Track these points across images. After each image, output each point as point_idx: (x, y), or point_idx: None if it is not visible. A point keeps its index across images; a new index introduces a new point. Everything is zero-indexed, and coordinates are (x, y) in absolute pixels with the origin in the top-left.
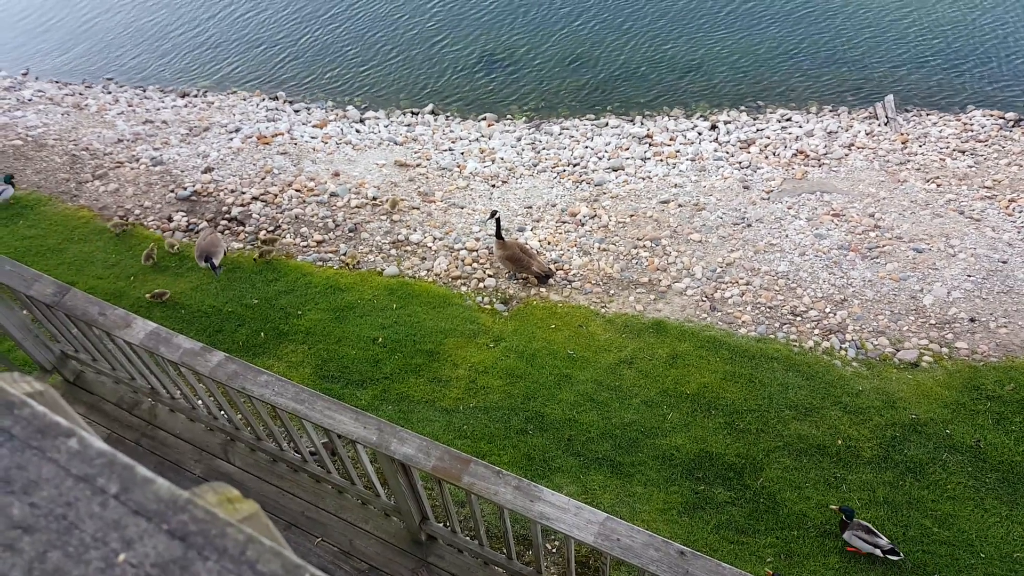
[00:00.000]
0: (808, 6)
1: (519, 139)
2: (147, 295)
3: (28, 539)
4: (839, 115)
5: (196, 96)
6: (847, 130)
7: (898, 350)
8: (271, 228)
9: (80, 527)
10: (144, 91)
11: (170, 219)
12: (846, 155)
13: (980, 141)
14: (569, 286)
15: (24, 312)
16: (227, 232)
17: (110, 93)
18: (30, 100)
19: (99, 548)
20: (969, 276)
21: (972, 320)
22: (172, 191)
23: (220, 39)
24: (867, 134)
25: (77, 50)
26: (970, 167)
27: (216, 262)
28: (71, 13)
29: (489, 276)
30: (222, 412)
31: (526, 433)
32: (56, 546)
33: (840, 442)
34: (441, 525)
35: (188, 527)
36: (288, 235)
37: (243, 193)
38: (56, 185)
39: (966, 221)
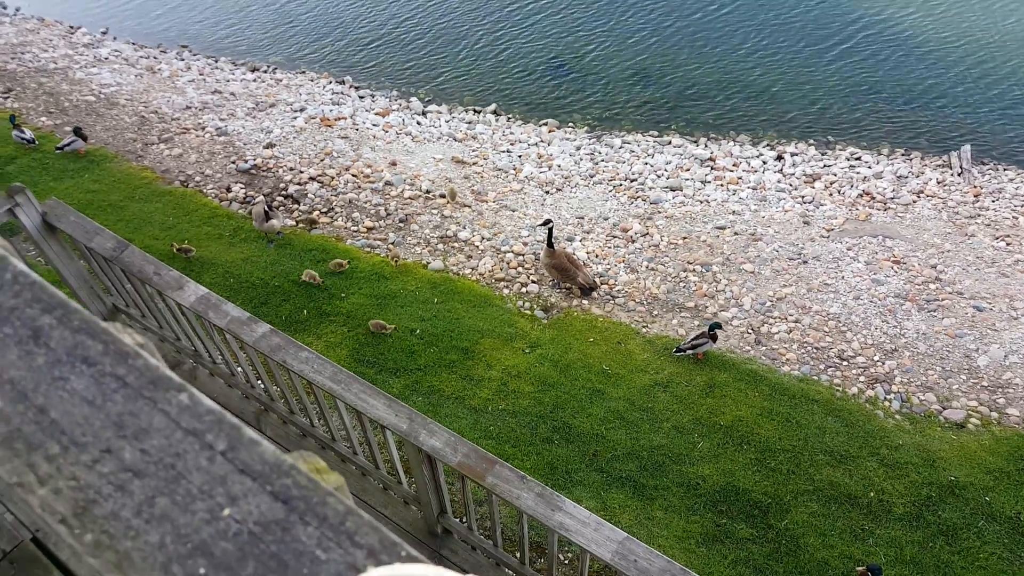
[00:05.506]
0: (891, 45)
1: (578, 148)
2: (174, 246)
3: (138, 483)
4: (911, 160)
5: (265, 72)
6: (918, 176)
7: (945, 408)
8: (325, 210)
9: (187, 478)
10: (216, 61)
11: (229, 189)
12: (914, 202)
13: None
14: (612, 301)
15: (82, 263)
16: (282, 208)
17: (183, 60)
18: (107, 59)
19: (205, 500)
20: None
21: None
22: (233, 162)
23: (295, 18)
24: (938, 183)
25: (156, 14)
26: None
27: (278, 225)
28: None
29: (532, 281)
30: (260, 382)
31: (551, 442)
32: (164, 493)
33: (872, 494)
34: (458, 521)
35: (291, 491)
36: (340, 218)
37: (301, 172)
38: (123, 144)
39: None
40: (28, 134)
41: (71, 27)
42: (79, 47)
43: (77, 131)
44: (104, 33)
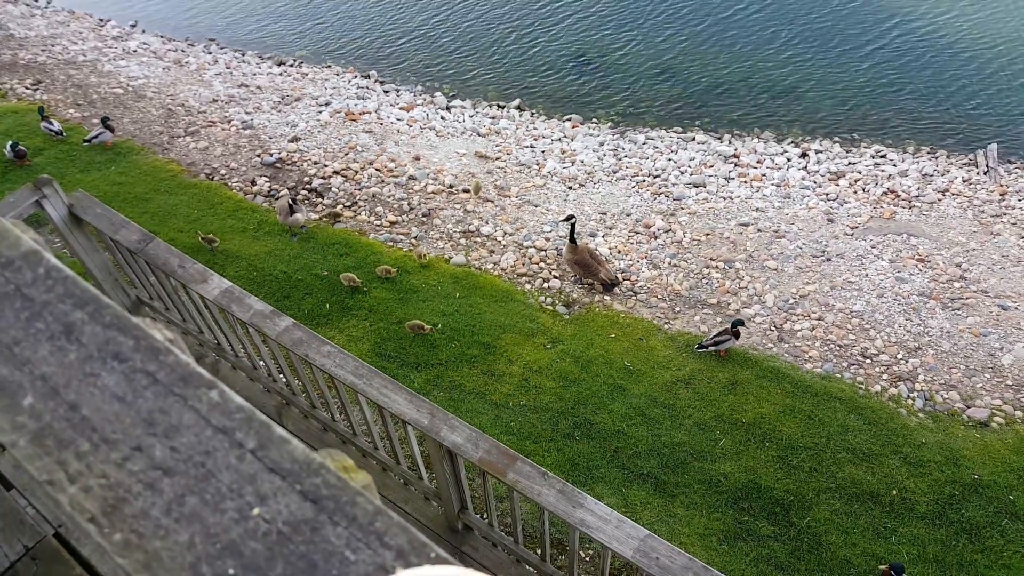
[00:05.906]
0: (922, 46)
1: (602, 144)
2: (199, 236)
3: (168, 481)
4: (937, 158)
5: (291, 66)
6: (943, 174)
7: (968, 407)
8: (348, 204)
9: (217, 476)
10: (243, 55)
11: (253, 183)
12: (939, 200)
13: None
14: (634, 297)
15: (107, 255)
16: (306, 202)
17: (210, 53)
18: (135, 51)
19: (234, 499)
20: None
21: None
22: (258, 156)
23: (322, 13)
24: (964, 181)
25: (185, 8)
26: None
27: (302, 219)
28: None
29: (554, 277)
30: (282, 376)
31: (573, 439)
32: (194, 491)
33: (895, 492)
34: (479, 517)
35: (320, 491)
36: (363, 212)
37: (325, 166)
38: (150, 136)
39: None
40: (56, 126)
41: (101, 20)
42: (108, 40)
43: (105, 121)
44: (133, 26)
